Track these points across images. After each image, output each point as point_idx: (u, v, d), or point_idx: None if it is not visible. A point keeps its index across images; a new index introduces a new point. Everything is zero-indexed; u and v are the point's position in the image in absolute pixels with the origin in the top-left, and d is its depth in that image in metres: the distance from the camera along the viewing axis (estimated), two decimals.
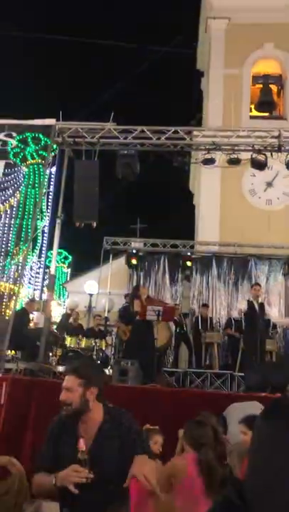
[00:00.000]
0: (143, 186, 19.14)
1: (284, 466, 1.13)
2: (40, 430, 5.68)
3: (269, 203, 15.11)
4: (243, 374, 9.05)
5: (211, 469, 3.34)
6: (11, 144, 9.81)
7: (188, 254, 13.56)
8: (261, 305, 9.49)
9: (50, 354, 8.71)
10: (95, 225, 9.19)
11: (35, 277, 13.94)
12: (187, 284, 13.62)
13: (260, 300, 9.63)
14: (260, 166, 9.34)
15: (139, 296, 9.26)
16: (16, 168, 9.83)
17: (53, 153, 9.92)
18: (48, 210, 12.63)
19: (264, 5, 15.75)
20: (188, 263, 13.32)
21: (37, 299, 11.70)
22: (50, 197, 12.58)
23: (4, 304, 10.88)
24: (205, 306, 12.15)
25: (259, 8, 15.77)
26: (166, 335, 10.70)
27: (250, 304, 9.52)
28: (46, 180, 10.77)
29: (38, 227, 12.12)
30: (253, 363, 8.82)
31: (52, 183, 12.57)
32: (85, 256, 20.14)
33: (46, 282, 11.52)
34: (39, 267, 13.12)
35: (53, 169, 11.23)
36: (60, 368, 7.83)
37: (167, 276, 13.59)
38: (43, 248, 13.57)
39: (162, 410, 6.13)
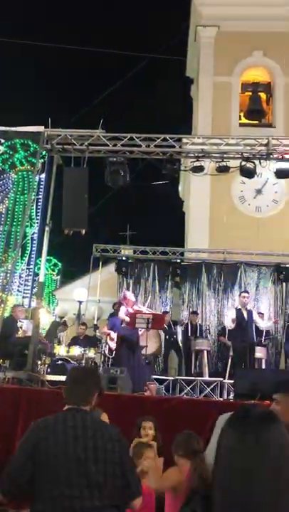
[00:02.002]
0: (132, 193, 19.17)
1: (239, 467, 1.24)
2: None
3: (258, 210, 15.16)
4: (232, 381, 9.03)
5: (206, 477, 3.36)
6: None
7: (178, 261, 13.57)
8: (249, 312, 9.49)
9: (39, 363, 8.63)
10: (84, 232, 9.15)
11: (25, 285, 13.86)
12: (177, 291, 13.60)
13: (248, 307, 9.63)
14: (249, 173, 9.37)
15: (126, 304, 9.24)
16: (4, 175, 9.81)
17: (42, 160, 9.90)
18: (38, 217, 12.59)
19: (253, 13, 15.88)
20: (178, 271, 13.32)
21: (26, 306, 11.63)
22: (39, 204, 12.54)
23: None
24: (194, 313, 12.13)
25: (248, 16, 15.90)
26: (155, 342, 10.66)
27: (238, 311, 9.52)
28: (35, 186, 10.74)
29: (27, 234, 12.08)
30: (243, 370, 8.81)
31: (41, 189, 12.54)
32: (74, 263, 20.10)
33: (35, 290, 11.47)
34: (28, 275, 13.06)
35: (42, 176, 11.20)
36: (49, 377, 7.76)
37: (157, 283, 13.56)
38: (32, 255, 13.52)
39: None
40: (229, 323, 9.42)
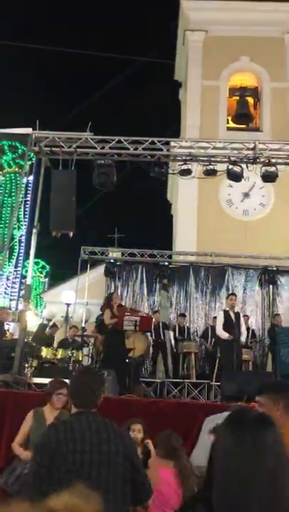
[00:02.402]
0: (121, 196, 19.19)
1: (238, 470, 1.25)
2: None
3: (246, 214, 15.27)
4: (219, 383, 9.06)
5: (187, 476, 3.40)
6: None
7: (166, 263, 13.60)
8: (237, 314, 9.54)
9: (26, 365, 8.60)
10: (71, 234, 9.14)
11: (12, 287, 13.79)
12: (165, 293, 13.62)
13: (236, 310, 9.68)
14: (236, 177, 9.43)
15: (112, 305, 9.24)
16: None
17: (29, 162, 9.88)
18: (25, 219, 12.56)
19: (240, 18, 16.02)
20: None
21: (13, 309, 11.60)
22: (27, 206, 12.51)
23: None
24: (182, 315, 12.16)
25: (235, 21, 16.03)
26: (143, 345, 10.66)
27: (226, 313, 9.56)
28: (23, 189, 10.72)
29: (15, 236, 12.03)
30: (229, 372, 8.84)
31: (29, 192, 12.51)
32: (62, 266, 20.04)
33: (23, 292, 11.44)
34: (15, 277, 13.00)
35: (30, 178, 11.18)
36: (36, 380, 7.73)
37: (145, 285, 13.57)
38: (20, 258, 13.46)
39: None
40: (223, 334, 9.42)
